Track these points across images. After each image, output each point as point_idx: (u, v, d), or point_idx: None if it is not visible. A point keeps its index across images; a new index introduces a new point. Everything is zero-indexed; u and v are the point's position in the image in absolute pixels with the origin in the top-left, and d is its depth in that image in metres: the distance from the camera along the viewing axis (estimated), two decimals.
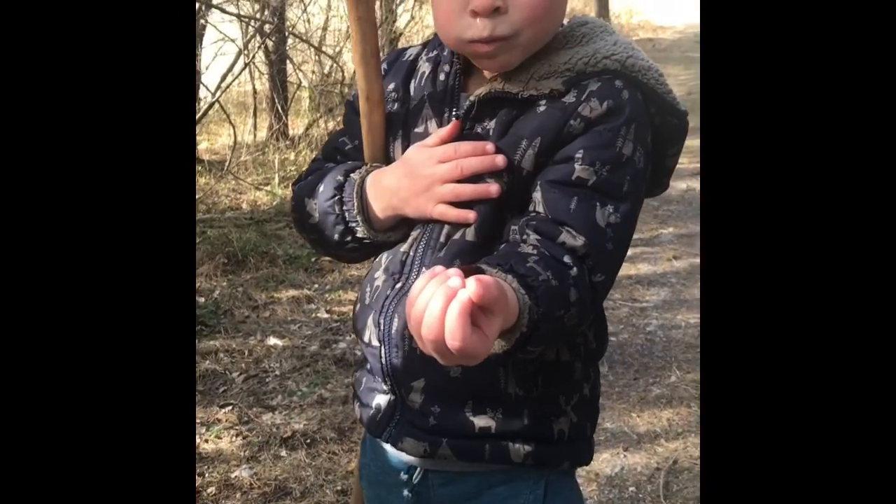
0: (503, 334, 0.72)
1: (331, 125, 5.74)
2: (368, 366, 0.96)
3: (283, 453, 2.37)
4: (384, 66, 0.96)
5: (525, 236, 0.82)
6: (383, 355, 0.90)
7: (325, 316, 3.47)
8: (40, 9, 0.64)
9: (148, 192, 0.67)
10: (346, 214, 0.90)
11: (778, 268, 0.66)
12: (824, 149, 0.66)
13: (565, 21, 0.90)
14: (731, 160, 0.69)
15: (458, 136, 0.88)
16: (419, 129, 0.91)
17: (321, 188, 0.92)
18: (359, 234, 0.92)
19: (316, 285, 3.80)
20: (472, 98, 0.88)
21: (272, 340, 3.21)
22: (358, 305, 0.97)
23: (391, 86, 0.95)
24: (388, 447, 0.95)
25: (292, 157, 5.55)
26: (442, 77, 0.92)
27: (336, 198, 0.90)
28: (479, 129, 0.88)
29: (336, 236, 0.92)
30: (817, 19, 0.66)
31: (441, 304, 0.61)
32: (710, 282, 0.69)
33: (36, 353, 0.62)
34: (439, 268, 0.66)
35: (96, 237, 0.65)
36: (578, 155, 0.82)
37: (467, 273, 0.66)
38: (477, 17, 0.81)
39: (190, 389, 0.70)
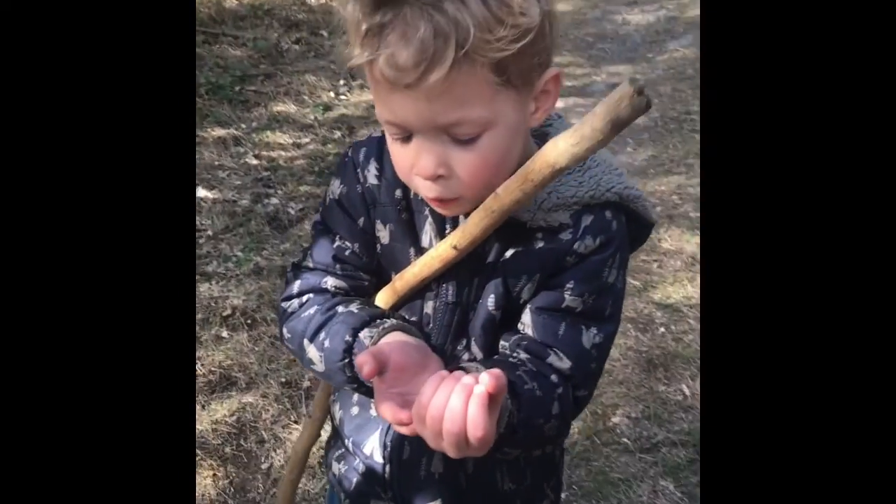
0: None
1: None
2: (359, 467, 0.99)
3: (225, 333, 2.45)
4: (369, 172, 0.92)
5: (515, 354, 0.88)
6: (388, 473, 0.96)
7: (255, 162, 3.41)
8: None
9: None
10: (360, 376, 0.85)
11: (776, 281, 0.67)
12: (825, 156, 0.65)
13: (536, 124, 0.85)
14: (730, 168, 0.70)
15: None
16: (424, 244, 0.91)
17: (326, 343, 0.88)
18: None
19: (243, 124, 3.67)
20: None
21: (201, 192, 3.16)
22: (356, 409, 0.99)
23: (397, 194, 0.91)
24: None
25: None
26: None
27: (346, 361, 0.87)
28: (479, 249, 0.88)
29: (349, 387, 0.91)
30: (818, 22, 0.66)
31: (462, 399, 0.67)
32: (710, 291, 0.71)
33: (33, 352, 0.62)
34: (444, 372, 0.71)
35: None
36: (569, 286, 0.87)
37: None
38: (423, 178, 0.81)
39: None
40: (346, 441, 1.01)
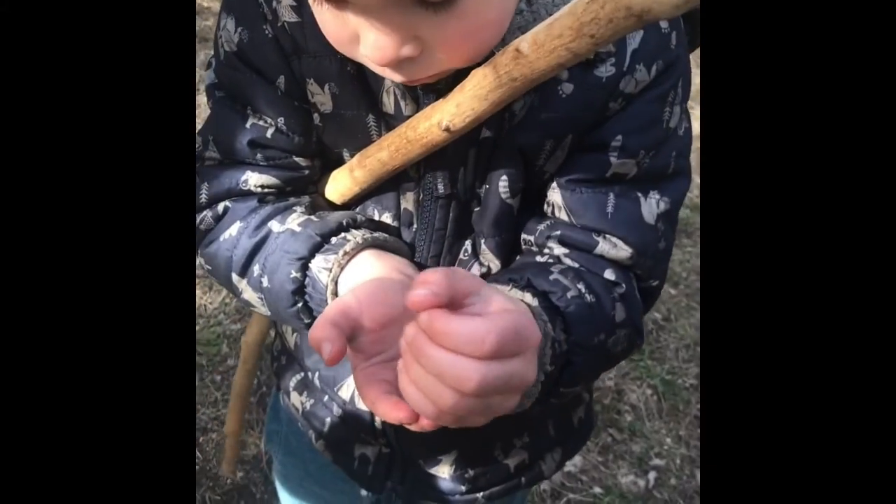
0: None
1: None
2: (333, 408, 0.76)
3: None
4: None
5: (547, 251, 0.63)
6: (379, 421, 0.73)
7: None
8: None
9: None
10: (317, 315, 0.61)
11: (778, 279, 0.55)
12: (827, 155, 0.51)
13: None
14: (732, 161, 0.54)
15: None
16: (388, 110, 0.61)
17: (265, 281, 0.61)
18: None
19: None
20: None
21: None
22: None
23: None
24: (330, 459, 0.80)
25: None
26: None
27: (299, 305, 0.60)
28: None
29: (301, 325, 0.64)
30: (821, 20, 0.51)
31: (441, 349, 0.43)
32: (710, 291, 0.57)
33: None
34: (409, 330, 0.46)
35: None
36: (616, 143, 0.59)
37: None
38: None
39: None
40: (310, 375, 0.76)
